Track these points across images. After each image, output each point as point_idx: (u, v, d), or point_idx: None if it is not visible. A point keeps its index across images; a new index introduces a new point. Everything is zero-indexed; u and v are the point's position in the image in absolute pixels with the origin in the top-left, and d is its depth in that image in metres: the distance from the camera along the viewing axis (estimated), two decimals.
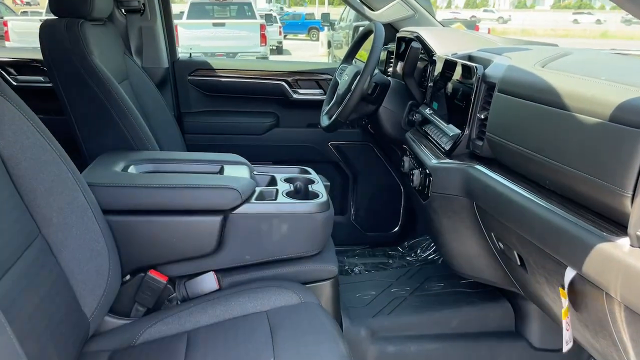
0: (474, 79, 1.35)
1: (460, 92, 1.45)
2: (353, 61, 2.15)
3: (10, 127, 1.07)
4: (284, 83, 2.40)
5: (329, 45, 13.35)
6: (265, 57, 11.39)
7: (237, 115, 2.42)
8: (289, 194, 1.46)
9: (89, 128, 1.67)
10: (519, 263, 1.22)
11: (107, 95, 1.63)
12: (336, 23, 12.41)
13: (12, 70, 2.28)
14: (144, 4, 2.16)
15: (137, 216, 1.32)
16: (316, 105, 2.35)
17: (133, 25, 2.17)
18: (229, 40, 11.08)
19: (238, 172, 1.53)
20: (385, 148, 2.45)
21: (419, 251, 2.40)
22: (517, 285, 1.37)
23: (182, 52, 7.89)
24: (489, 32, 14.79)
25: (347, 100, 1.82)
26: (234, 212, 1.36)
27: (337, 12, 14.95)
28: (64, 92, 1.63)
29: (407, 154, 1.73)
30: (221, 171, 1.55)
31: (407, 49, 1.87)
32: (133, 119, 1.67)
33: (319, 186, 1.54)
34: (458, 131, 1.41)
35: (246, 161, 1.64)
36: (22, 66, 2.29)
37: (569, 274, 0.95)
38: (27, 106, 1.13)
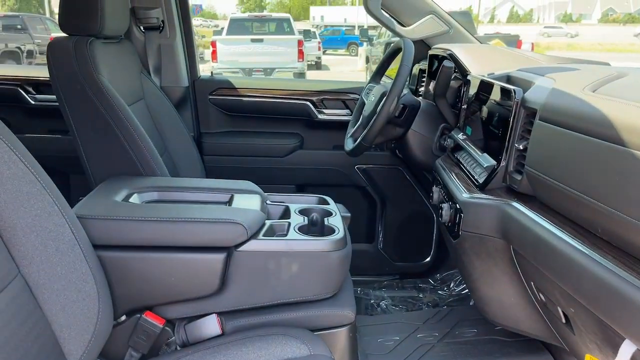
0: (512, 103, 1.19)
1: (497, 117, 1.29)
2: (381, 80, 2.01)
3: None
4: (308, 103, 2.27)
5: (367, 60, 13.27)
6: (302, 73, 11.39)
7: (259, 137, 2.30)
8: (301, 229, 1.32)
9: (95, 151, 1.57)
10: (564, 321, 1.04)
11: (115, 117, 1.54)
12: (375, 38, 12.32)
13: (30, 89, 2.24)
14: (163, 21, 2.07)
15: (132, 252, 1.21)
16: (342, 126, 2.21)
17: (151, 42, 2.09)
18: (267, 56, 11.12)
19: (248, 202, 1.40)
20: (416, 172, 2.28)
21: (451, 285, 2.22)
22: (562, 342, 1.19)
23: (219, 69, 7.87)
24: (532, 49, 14.39)
25: (372, 123, 1.68)
26: (239, 249, 1.23)
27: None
28: (69, 113, 1.55)
29: (437, 183, 1.56)
30: (230, 201, 1.42)
31: (439, 68, 1.72)
32: (142, 143, 1.57)
33: (337, 219, 1.40)
34: (493, 162, 1.24)
35: (259, 189, 1.51)
36: (41, 84, 2.24)
37: (628, 348, 0.77)
38: (10, 132, 1.03)
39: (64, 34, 1.61)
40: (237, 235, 1.21)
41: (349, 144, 1.88)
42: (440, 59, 1.87)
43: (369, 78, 2.01)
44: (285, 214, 1.44)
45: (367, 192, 2.35)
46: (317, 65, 16.21)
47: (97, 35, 1.61)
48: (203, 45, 17.51)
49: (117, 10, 1.69)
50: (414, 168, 2.26)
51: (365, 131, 1.73)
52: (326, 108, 2.30)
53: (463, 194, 1.28)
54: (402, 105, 1.73)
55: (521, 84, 1.27)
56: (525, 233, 1.05)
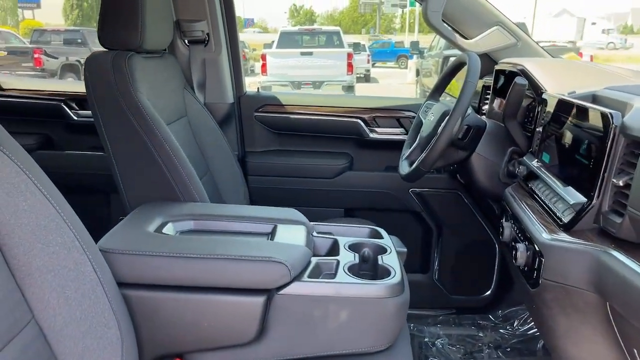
0: (608, 129, 0.99)
1: (585, 144, 1.09)
2: (441, 97, 1.83)
3: (3, 185, 0.86)
4: (359, 121, 2.12)
5: (417, 73, 13.02)
6: (351, 86, 11.28)
7: (306, 156, 2.16)
8: (352, 269, 1.16)
9: (130, 173, 1.47)
10: None
11: (152, 137, 1.43)
12: (426, 51, 12.08)
13: (73, 105, 2.18)
14: (208, 34, 1.97)
15: (162, 292, 1.08)
16: (396, 146, 2.05)
17: (196, 57, 1.99)
18: (316, 69, 11.08)
19: (292, 235, 1.25)
20: (476, 198, 2.08)
21: (515, 324, 2.00)
22: None
23: (269, 82, 7.88)
24: (591, 61, 13.75)
25: (432, 146, 1.50)
26: (281, 292, 1.08)
27: (427, 40, 14.66)
28: (105, 131, 1.45)
29: (507, 217, 1.37)
30: (273, 232, 1.28)
31: (507, 84, 1.54)
32: (181, 166, 1.45)
33: (392, 258, 1.23)
34: (582, 198, 1.04)
35: (304, 219, 1.36)
36: (84, 100, 2.18)
37: None
38: (31, 159, 0.92)
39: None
40: (279, 276, 1.07)
41: (405, 168, 1.71)
42: (507, 74, 1.68)
43: (419, 91, 1.83)
44: (334, 248, 1.29)
45: (422, 218, 2.16)
46: (366, 78, 16.13)
47: (138, 50, 1.51)
48: (254, 58, 17.72)
49: (160, 23, 1.59)
50: (476, 194, 2.06)
51: (423, 154, 1.55)
52: (378, 126, 2.13)
53: (543, 234, 1.08)
54: (466, 126, 1.55)
55: (614, 105, 1.07)
56: (627, 289, 0.85)
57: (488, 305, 2.14)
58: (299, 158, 2.15)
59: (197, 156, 1.80)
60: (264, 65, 11.15)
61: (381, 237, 1.36)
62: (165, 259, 1.07)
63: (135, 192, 1.48)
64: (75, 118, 2.18)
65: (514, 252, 1.19)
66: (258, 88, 2.23)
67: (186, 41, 1.98)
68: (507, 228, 1.33)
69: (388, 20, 55.20)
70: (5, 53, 13.66)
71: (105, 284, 0.95)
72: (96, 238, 1.24)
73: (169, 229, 1.26)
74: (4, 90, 2.16)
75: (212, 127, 1.89)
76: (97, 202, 2.21)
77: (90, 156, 2.18)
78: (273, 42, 12.59)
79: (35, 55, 13.30)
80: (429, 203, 2.12)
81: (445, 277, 2.17)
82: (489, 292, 2.14)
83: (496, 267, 2.12)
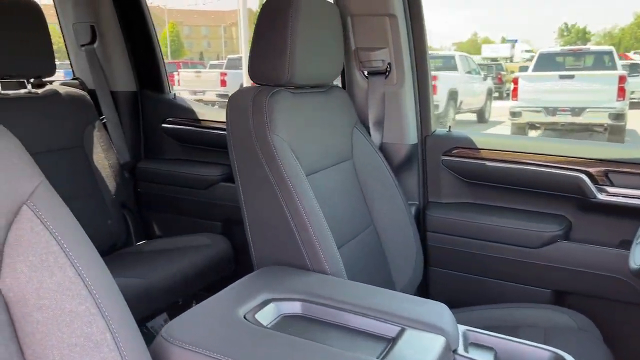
0: None
1: None
2: None
3: (27, 257, 0.72)
4: (583, 175, 1.56)
5: None
6: (621, 114, 9.64)
7: (504, 215, 1.68)
8: None
9: (259, 225, 1.27)
10: None
11: (284, 190, 1.20)
12: None
13: None
14: (389, 64, 1.67)
15: None
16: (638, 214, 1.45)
17: (375, 90, 1.71)
18: (576, 93, 9.81)
19: (421, 350, 0.88)
20: None
21: None
22: None
23: (519, 107, 7.21)
24: None
25: None
26: None
27: None
28: (239, 176, 1.28)
29: None
30: (395, 341, 0.92)
31: None
32: (313, 229, 1.19)
33: None
34: None
35: (449, 325, 0.96)
36: None
37: None
38: (73, 221, 0.76)
39: None
40: None
41: (637, 258, 1.15)
42: None
43: None
44: None
45: None
46: None
47: (286, 85, 1.32)
48: (510, 82, 16.84)
49: (321, 54, 1.37)
50: None
51: None
52: (612, 185, 1.54)
53: None
54: None
55: None
56: None
57: None
58: (494, 217, 1.69)
59: (359, 206, 1.53)
60: (514, 90, 10.35)
61: None
62: None
63: (260, 247, 1.27)
64: None
65: None
66: (449, 126, 1.84)
67: (365, 72, 1.72)
68: None
69: None
70: None
71: None
72: None
73: (268, 311, 1.01)
74: (200, 121, 2.22)
75: (383, 172, 1.59)
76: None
77: None
78: (527, 67, 11.67)
79: None
80: None
81: None
82: None
83: None
